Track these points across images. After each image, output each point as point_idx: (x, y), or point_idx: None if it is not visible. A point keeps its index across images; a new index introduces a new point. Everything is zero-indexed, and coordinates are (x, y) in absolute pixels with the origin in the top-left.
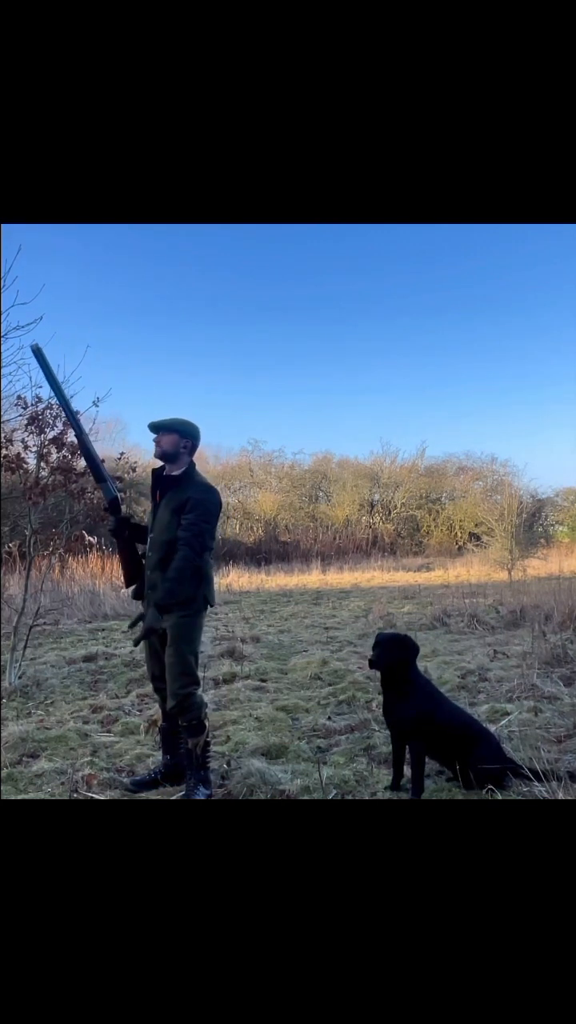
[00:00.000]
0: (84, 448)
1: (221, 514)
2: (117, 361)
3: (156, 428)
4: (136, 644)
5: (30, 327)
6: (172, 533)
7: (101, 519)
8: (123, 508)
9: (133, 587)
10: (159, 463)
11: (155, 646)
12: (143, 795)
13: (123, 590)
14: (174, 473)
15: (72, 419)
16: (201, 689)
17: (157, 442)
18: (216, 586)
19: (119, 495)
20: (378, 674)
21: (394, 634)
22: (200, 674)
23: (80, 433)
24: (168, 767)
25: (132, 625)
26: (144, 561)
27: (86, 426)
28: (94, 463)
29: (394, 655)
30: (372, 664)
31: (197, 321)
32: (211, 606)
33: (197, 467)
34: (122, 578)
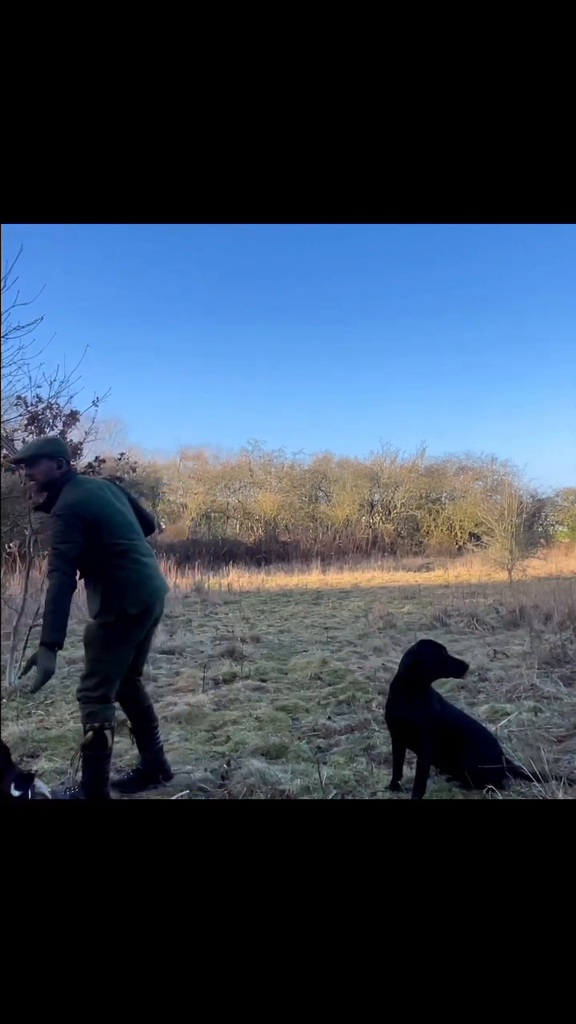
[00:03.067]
0: None
1: (218, 513)
2: (117, 361)
3: (22, 462)
4: (34, 692)
5: (30, 327)
6: None
7: None
8: None
9: None
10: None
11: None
12: (143, 795)
13: None
14: (45, 501)
15: None
16: (106, 711)
17: (31, 476)
18: (216, 586)
19: None
20: (378, 674)
21: (429, 640)
22: (200, 674)
23: None
24: (147, 764)
25: (26, 671)
26: None
27: (86, 425)
28: None
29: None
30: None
31: (197, 321)
32: (131, 614)
33: (77, 475)
34: None
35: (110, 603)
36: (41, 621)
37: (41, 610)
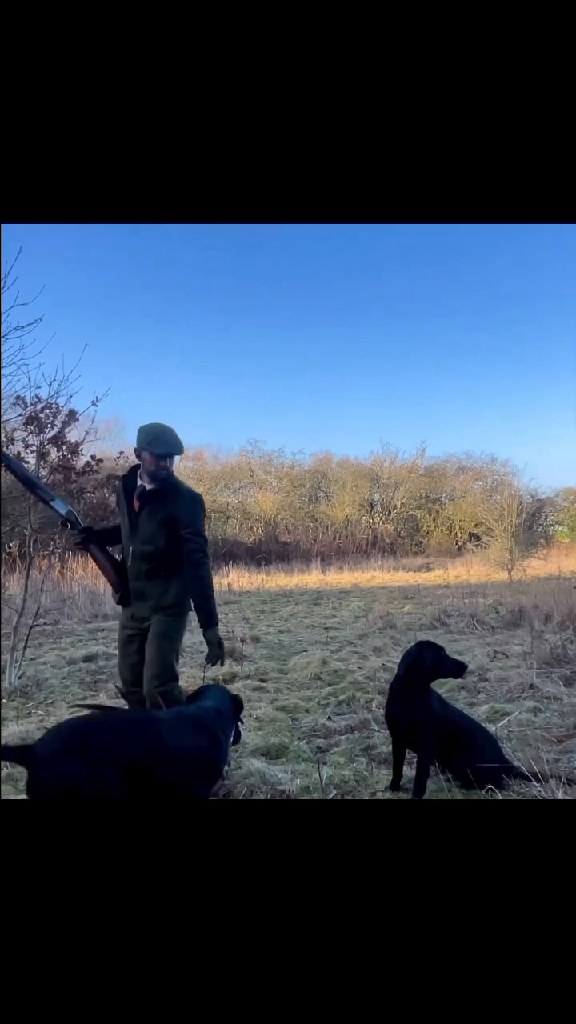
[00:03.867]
0: (25, 479)
1: (218, 513)
2: (117, 361)
3: (168, 455)
4: (215, 663)
5: (30, 327)
6: (159, 544)
7: (102, 519)
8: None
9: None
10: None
11: (132, 654)
12: None
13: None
14: (155, 485)
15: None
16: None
17: (164, 467)
18: (216, 586)
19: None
20: (378, 674)
21: (428, 641)
22: (200, 674)
23: (18, 472)
24: None
25: (216, 656)
26: (127, 568)
27: (85, 425)
28: (37, 486)
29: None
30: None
31: (197, 321)
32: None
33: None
34: (109, 586)
35: (186, 597)
36: (41, 620)
37: (41, 610)
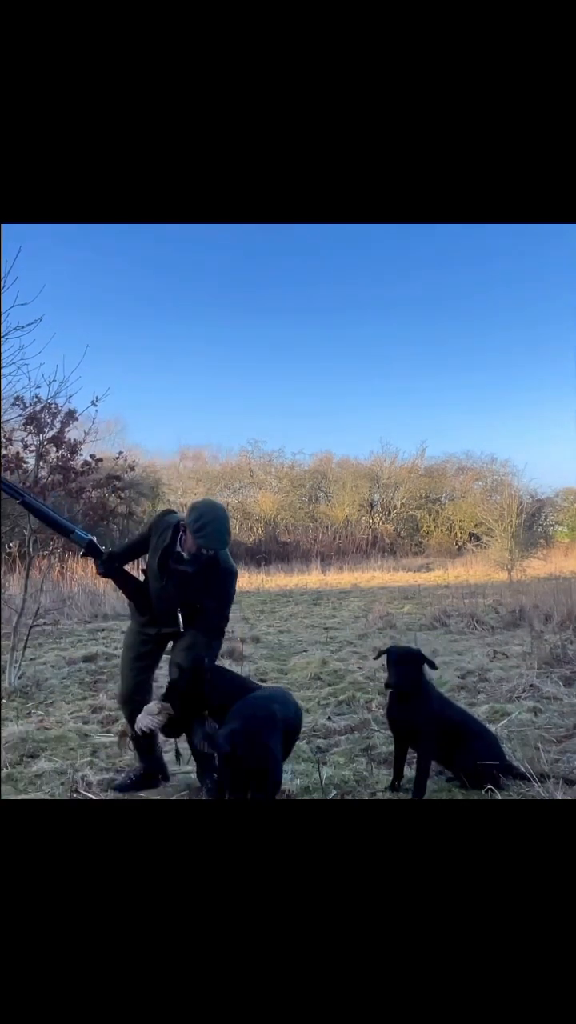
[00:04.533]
0: (42, 514)
1: None
2: (117, 361)
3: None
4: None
5: (30, 327)
6: (190, 601)
7: (101, 519)
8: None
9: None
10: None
11: (143, 657)
12: (143, 795)
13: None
14: (192, 566)
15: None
16: None
17: (205, 553)
18: None
19: (92, 537)
20: (378, 674)
21: (407, 650)
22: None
23: (35, 507)
24: (148, 770)
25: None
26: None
27: (86, 425)
28: (55, 520)
29: (412, 673)
30: (396, 686)
31: (198, 322)
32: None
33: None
34: (134, 608)
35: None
36: (41, 620)
37: (41, 610)
